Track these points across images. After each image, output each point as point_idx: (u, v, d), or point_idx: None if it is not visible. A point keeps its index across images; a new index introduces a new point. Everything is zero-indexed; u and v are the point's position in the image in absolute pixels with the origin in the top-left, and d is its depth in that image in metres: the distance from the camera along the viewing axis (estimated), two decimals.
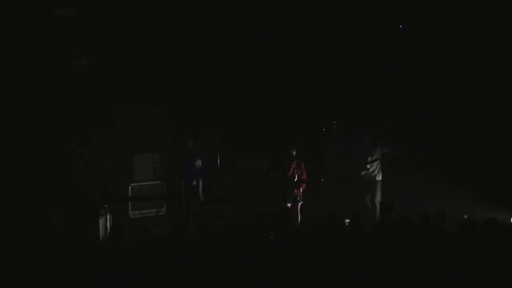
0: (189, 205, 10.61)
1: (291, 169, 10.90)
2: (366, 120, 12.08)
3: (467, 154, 11.77)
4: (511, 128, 11.64)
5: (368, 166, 11.15)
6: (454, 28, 11.78)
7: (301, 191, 10.95)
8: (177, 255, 6.48)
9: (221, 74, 12.21)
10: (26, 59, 11.01)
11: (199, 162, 10.82)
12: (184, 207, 10.54)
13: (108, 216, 10.42)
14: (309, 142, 12.02)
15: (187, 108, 12.18)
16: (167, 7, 11.63)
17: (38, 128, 11.18)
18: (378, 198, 11.08)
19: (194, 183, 10.77)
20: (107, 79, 11.75)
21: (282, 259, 6.61)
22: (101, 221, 10.17)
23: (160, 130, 11.95)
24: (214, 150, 12.16)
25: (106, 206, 10.38)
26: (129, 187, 11.68)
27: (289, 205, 10.91)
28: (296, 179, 10.90)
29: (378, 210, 10.82)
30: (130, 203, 11.54)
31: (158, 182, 11.81)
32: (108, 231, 10.04)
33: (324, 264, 6.64)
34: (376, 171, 11.22)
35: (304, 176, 11.01)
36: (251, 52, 12.24)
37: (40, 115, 11.27)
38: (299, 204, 10.98)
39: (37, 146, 10.88)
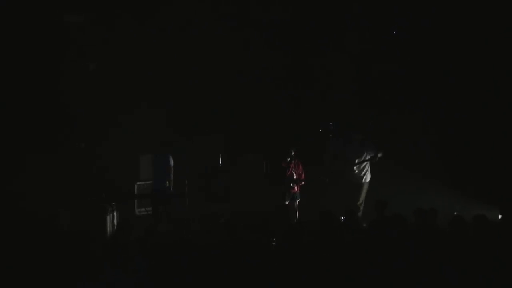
0: (161, 206, 10.59)
1: (290, 169, 10.84)
2: (364, 121, 11.95)
3: (457, 153, 11.68)
4: (501, 128, 11.52)
5: (355, 167, 11.06)
6: (450, 29, 11.65)
7: (298, 189, 10.89)
8: (177, 255, 6.41)
9: (220, 75, 12.11)
10: (35, 63, 10.99)
11: (170, 162, 10.74)
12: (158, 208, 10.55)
13: (115, 213, 10.41)
14: (308, 142, 11.94)
15: (187, 108, 12.10)
16: (167, 9, 11.56)
17: (48, 129, 11.20)
18: (360, 200, 11.00)
19: (167, 184, 10.72)
20: (113, 81, 11.72)
21: (282, 259, 6.54)
22: (108, 218, 10.17)
23: (164, 131, 11.88)
24: (215, 150, 12.10)
25: (113, 203, 10.35)
26: (135, 185, 11.60)
27: (287, 202, 10.84)
28: (294, 178, 10.84)
29: (361, 211, 10.75)
30: (136, 201, 11.46)
31: None
32: (115, 227, 10.02)
33: (323, 264, 6.57)
34: (363, 173, 11.13)
35: (303, 175, 10.95)
36: (250, 53, 12.11)
37: (50, 117, 11.28)
38: (297, 201, 10.95)
39: (47, 146, 10.93)
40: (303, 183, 11.00)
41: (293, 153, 10.87)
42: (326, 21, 12.12)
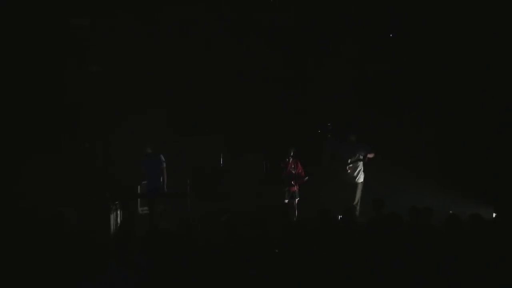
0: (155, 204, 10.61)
1: (289, 168, 10.83)
2: (362, 121, 11.92)
3: (453, 152, 11.65)
4: (495, 128, 11.49)
5: (347, 167, 11.05)
6: (445, 29, 11.62)
7: (297, 188, 10.86)
8: (178, 254, 6.39)
9: (221, 75, 12.08)
10: (39, 65, 11.02)
11: (162, 162, 10.75)
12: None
13: (118, 212, 10.43)
14: (307, 142, 11.93)
15: (188, 108, 12.08)
16: (167, 9, 11.55)
17: (53, 130, 11.23)
18: (356, 199, 10.98)
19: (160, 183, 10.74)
20: (115, 82, 11.72)
21: (282, 259, 6.53)
22: (112, 216, 10.18)
23: (165, 131, 11.88)
24: (216, 150, 12.10)
25: (116, 202, 10.36)
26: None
27: (286, 201, 10.84)
28: (293, 177, 10.84)
29: (357, 211, 10.72)
30: (139, 199, 11.45)
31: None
32: (119, 225, 10.05)
33: (322, 262, 6.55)
34: (356, 172, 11.12)
35: (303, 173, 10.92)
36: (250, 53, 12.08)
37: (55, 117, 11.30)
38: (296, 200, 10.95)
39: (53, 147, 10.96)
40: (307, 178, 10.96)
41: (292, 153, 10.88)
42: (326, 22, 12.09)
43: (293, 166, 10.90)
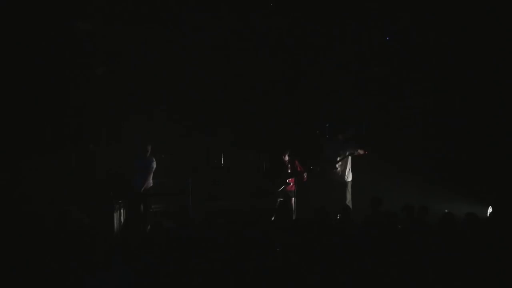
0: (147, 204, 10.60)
1: (286, 168, 10.77)
2: (361, 124, 11.87)
3: (450, 153, 11.62)
4: (491, 130, 11.45)
5: (337, 165, 10.99)
6: (443, 33, 11.57)
7: (294, 187, 10.81)
8: (179, 253, 6.35)
9: (220, 75, 12.03)
10: (43, 67, 10.99)
11: (153, 163, 10.70)
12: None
13: (122, 211, 10.39)
14: (305, 142, 11.88)
15: (188, 108, 12.04)
16: (167, 12, 11.49)
17: (58, 132, 11.20)
18: (348, 199, 10.91)
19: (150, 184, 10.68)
20: (120, 84, 11.70)
21: (281, 257, 6.50)
22: (116, 215, 10.13)
23: (168, 131, 11.83)
24: (216, 149, 12.07)
25: (120, 201, 10.30)
26: None
27: (280, 199, 10.78)
28: (290, 176, 10.79)
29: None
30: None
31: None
32: (122, 224, 10.02)
33: (321, 262, 6.51)
34: (346, 172, 11.04)
35: (300, 169, 10.87)
36: (249, 54, 12.03)
37: (61, 119, 11.28)
38: (292, 199, 10.88)
39: (58, 148, 10.93)
40: (305, 174, 10.86)
41: (288, 153, 10.84)
42: (324, 26, 12.04)
43: (289, 165, 10.87)
